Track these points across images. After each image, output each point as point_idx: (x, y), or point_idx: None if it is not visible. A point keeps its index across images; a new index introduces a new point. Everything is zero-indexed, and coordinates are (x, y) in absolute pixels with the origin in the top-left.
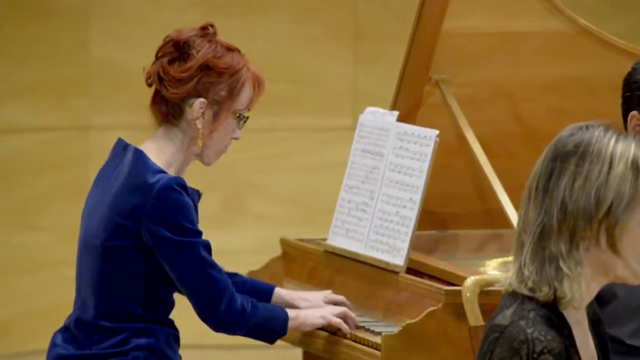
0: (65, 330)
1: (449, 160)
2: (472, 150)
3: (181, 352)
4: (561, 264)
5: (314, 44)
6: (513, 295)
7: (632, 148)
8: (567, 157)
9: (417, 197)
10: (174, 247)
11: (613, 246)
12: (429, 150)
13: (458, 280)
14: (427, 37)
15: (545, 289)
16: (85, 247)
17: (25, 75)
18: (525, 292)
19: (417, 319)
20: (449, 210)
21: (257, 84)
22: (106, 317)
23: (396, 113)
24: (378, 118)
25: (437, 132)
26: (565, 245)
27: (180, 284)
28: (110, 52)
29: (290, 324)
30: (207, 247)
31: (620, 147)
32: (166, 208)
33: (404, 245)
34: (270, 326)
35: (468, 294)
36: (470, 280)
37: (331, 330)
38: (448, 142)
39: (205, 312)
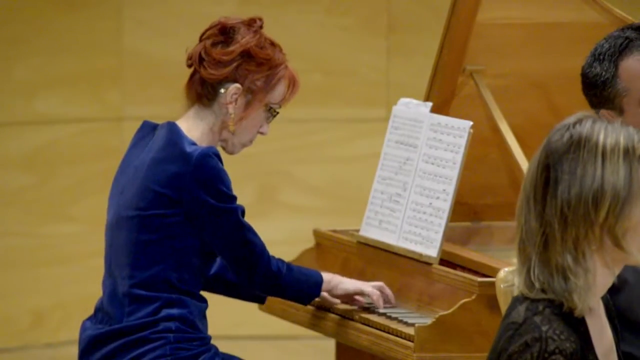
0: (94, 314)
1: (483, 152)
2: (506, 141)
3: (216, 342)
4: (569, 274)
5: (347, 34)
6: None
7: (621, 139)
8: (560, 163)
9: (451, 188)
10: (215, 213)
11: (618, 245)
12: (462, 142)
13: (491, 272)
14: (461, 28)
15: (559, 299)
16: (117, 222)
17: (58, 66)
18: (534, 296)
19: (450, 311)
20: (483, 201)
21: (293, 84)
22: (142, 286)
23: (430, 104)
24: (411, 109)
25: (471, 123)
26: (570, 255)
27: (219, 249)
28: (144, 43)
29: (324, 286)
30: (243, 212)
31: (609, 141)
32: (207, 174)
33: (437, 237)
34: (302, 288)
35: (502, 286)
36: (503, 272)
37: (355, 318)
38: (482, 133)
39: (243, 275)
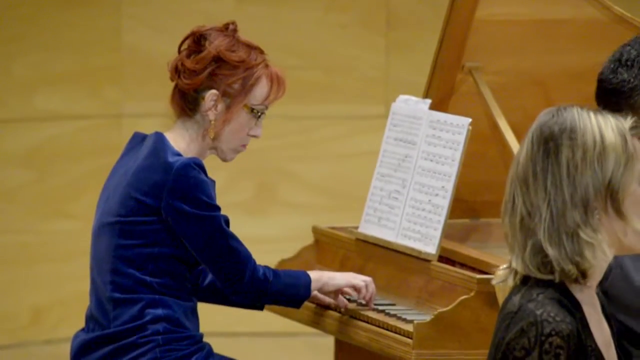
0: (86, 324)
1: (482, 149)
2: (504, 138)
3: (214, 339)
4: (580, 233)
5: (346, 31)
6: (520, 284)
7: (610, 118)
8: (559, 135)
9: (450, 185)
10: (194, 221)
11: (618, 210)
12: (461, 139)
13: (490, 269)
14: (460, 25)
15: (568, 266)
16: (100, 228)
17: (57, 63)
18: (538, 275)
19: (449, 308)
20: (482, 198)
21: (277, 83)
22: (122, 290)
23: (429, 101)
24: (410, 106)
25: (470, 120)
26: (580, 216)
27: (202, 258)
28: (143, 40)
29: (314, 285)
30: (227, 221)
31: (600, 118)
32: (186, 184)
33: (436, 234)
34: (293, 292)
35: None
36: (502, 269)
37: (354, 315)
38: (481, 130)
39: (229, 284)
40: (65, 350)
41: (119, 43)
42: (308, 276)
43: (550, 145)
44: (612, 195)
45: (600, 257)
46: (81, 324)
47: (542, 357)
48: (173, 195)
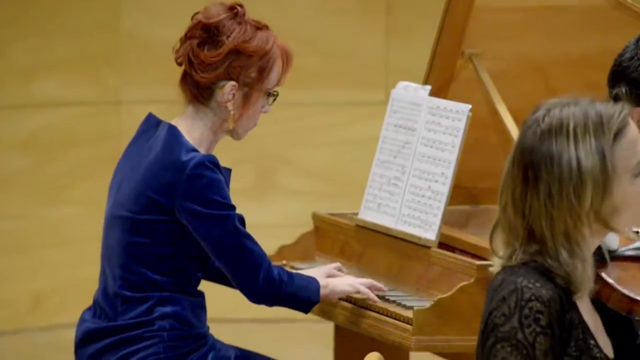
0: (93, 306)
1: (482, 135)
2: (504, 124)
3: (216, 325)
4: (567, 269)
5: (345, 17)
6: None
7: (590, 122)
8: (537, 161)
9: (449, 171)
10: (208, 221)
11: (607, 226)
12: (461, 125)
13: (490, 255)
14: (460, 11)
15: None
16: (112, 219)
17: (56, 49)
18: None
19: (448, 294)
20: (481, 185)
21: (286, 58)
22: (131, 288)
23: (428, 87)
24: (410, 92)
25: (470, 106)
26: (565, 249)
27: (216, 258)
28: (142, 25)
29: (322, 292)
30: (242, 220)
31: (579, 129)
32: (199, 185)
33: (436, 220)
34: (305, 295)
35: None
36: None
37: (355, 302)
38: (480, 117)
39: (243, 283)
40: (65, 336)
41: (118, 28)
42: (317, 282)
43: (529, 174)
44: (596, 216)
45: (588, 282)
46: (81, 310)
47: (522, 321)
48: (186, 196)
